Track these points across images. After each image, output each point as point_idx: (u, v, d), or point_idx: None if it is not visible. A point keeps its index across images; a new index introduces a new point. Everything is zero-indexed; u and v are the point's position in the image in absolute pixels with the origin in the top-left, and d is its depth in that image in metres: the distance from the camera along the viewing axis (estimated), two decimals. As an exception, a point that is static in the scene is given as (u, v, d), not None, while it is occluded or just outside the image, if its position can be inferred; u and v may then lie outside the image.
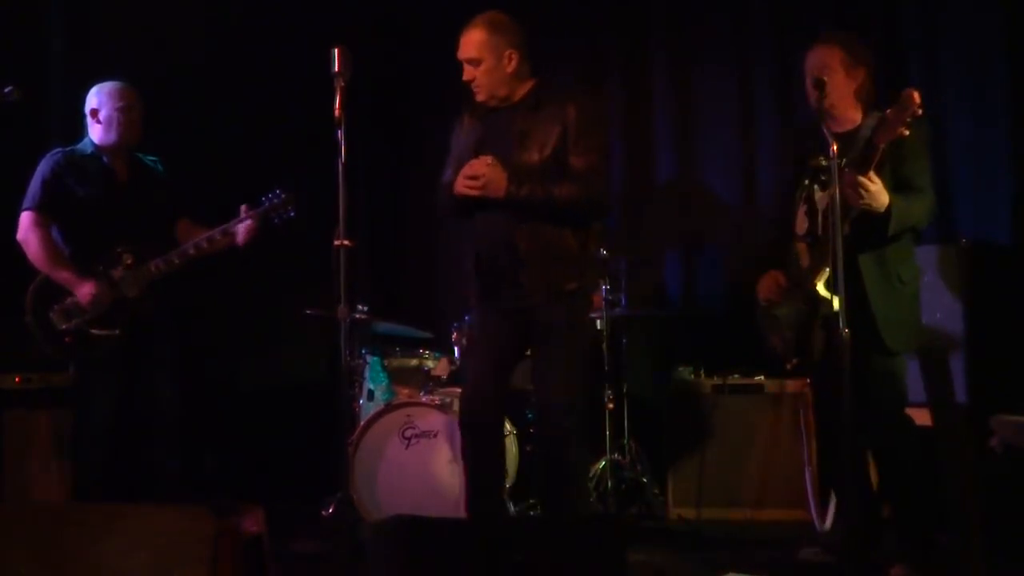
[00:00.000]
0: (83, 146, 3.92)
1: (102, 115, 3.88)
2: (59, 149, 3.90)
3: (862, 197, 3.14)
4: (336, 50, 3.07)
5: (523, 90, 3.44)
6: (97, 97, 3.90)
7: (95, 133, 3.91)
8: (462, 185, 3.33)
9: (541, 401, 3.42)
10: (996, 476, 3.29)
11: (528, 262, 3.32)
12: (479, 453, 3.46)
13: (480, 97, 3.42)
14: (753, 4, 5.20)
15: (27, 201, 3.83)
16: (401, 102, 5.58)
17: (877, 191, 3.16)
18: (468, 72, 3.40)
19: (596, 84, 5.39)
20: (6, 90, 3.49)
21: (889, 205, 3.19)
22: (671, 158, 5.34)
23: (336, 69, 3.07)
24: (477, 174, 3.30)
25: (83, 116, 3.94)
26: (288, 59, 5.06)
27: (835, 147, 2.98)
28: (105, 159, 3.91)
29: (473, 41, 3.38)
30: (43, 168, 3.85)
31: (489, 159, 3.32)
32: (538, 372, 3.45)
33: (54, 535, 2.43)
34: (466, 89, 3.44)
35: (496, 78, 3.38)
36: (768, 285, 3.61)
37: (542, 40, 5.43)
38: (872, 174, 3.14)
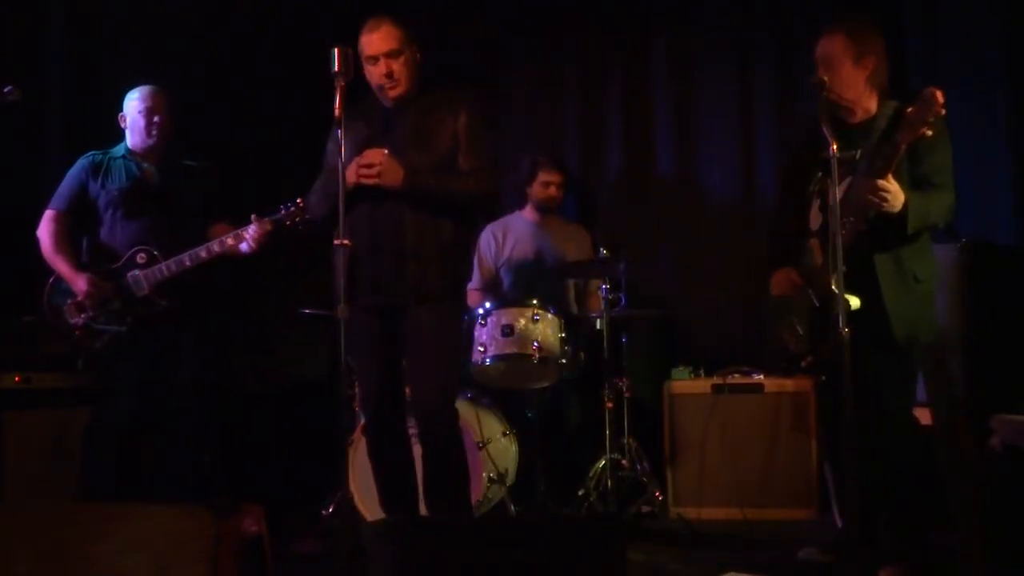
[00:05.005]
0: (117, 149, 4.00)
1: (128, 119, 3.98)
2: (92, 152, 3.98)
3: (886, 200, 3.11)
4: (336, 50, 3.07)
5: (418, 89, 3.47)
6: (126, 103, 3.99)
7: (127, 137, 3.99)
8: (356, 173, 3.29)
9: (419, 405, 3.43)
10: (996, 476, 3.29)
11: (413, 256, 3.33)
12: (382, 455, 3.52)
13: (397, 91, 3.42)
14: (754, 3, 5.20)
15: (51, 200, 3.94)
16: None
17: (896, 192, 3.13)
18: (386, 65, 3.39)
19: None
20: (6, 90, 3.50)
21: (905, 204, 3.15)
22: (671, 158, 5.34)
23: (336, 69, 3.06)
24: (372, 163, 3.30)
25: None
26: (288, 59, 5.05)
27: (834, 147, 2.95)
28: (135, 162, 3.96)
29: (393, 34, 3.40)
30: (71, 170, 3.96)
31: (383, 150, 3.32)
32: (413, 376, 3.47)
33: (54, 535, 2.43)
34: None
35: (413, 71, 3.43)
36: (781, 282, 3.55)
37: (542, 40, 5.53)
38: (890, 176, 3.11)
